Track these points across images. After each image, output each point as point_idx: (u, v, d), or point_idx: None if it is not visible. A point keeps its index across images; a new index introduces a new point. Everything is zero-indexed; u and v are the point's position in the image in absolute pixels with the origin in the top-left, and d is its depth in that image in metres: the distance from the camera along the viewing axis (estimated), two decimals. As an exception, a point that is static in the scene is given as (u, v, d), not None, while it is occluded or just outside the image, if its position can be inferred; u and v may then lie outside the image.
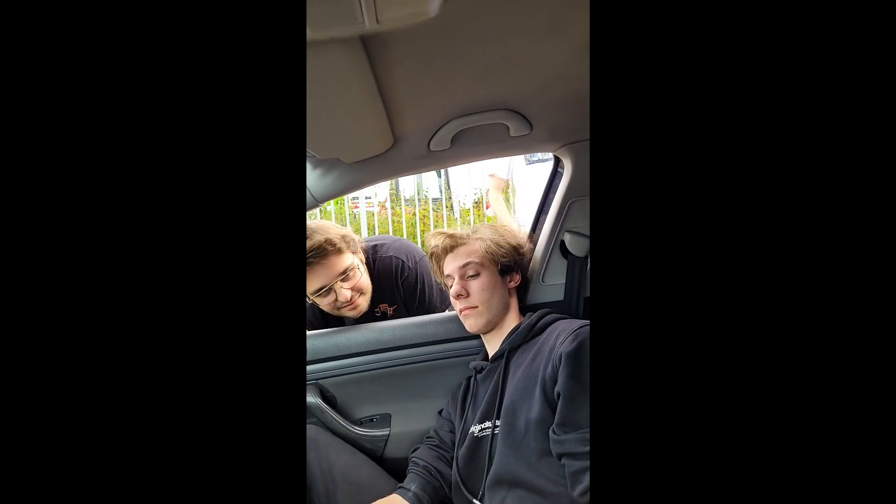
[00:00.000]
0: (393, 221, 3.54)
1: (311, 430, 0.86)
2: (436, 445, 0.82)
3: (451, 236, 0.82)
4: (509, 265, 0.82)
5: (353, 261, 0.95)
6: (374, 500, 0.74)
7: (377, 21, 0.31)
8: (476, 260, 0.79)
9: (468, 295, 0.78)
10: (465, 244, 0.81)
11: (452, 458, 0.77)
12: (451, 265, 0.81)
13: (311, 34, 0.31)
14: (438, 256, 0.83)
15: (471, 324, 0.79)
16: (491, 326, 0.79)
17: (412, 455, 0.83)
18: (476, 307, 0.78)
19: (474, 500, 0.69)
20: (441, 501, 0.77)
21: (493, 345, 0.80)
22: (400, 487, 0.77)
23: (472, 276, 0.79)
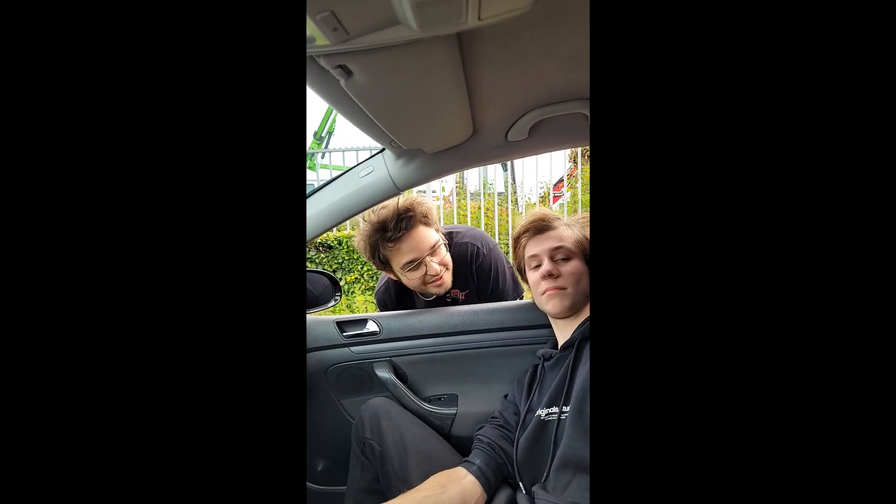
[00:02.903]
0: (458, 214, 3.60)
1: (385, 402, 0.93)
2: (500, 425, 0.85)
3: (542, 219, 0.84)
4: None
5: (439, 238, 1.02)
6: (441, 470, 0.79)
7: (479, 19, 0.34)
8: (568, 245, 0.81)
9: (559, 276, 0.79)
10: (556, 228, 0.83)
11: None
12: (540, 246, 0.82)
13: (418, 33, 0.35)
14: (527, 235, 0.85)
15: (555, 304, 0.79)
16: (572, 312, 0.80)
17: (477, 433, 0.86)
18: (564, 289, 0.79)
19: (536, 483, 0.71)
20: (503, 478, 0.79)
21: (564, 333, 0.81)
22: (465, 461, 0.80)
23: (563, 259, 0.80)
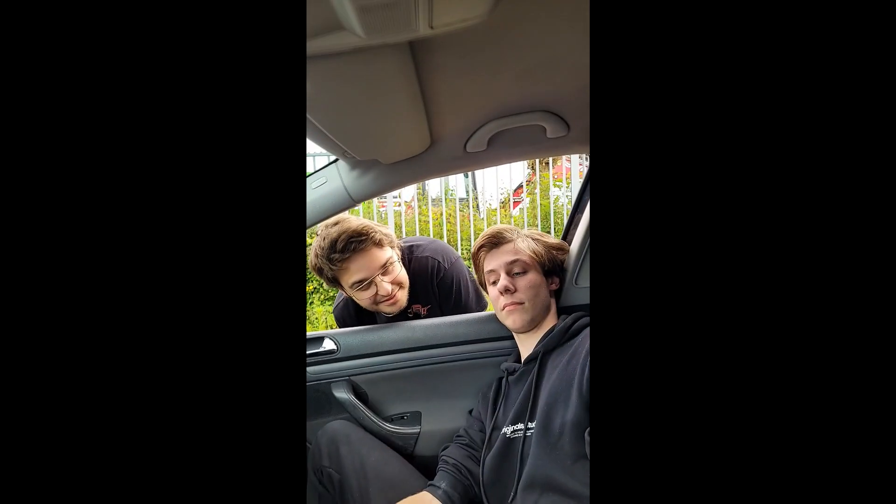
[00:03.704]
0: (420, 220, 3.56)
1: (344, 426, 0.88)
2: (466, 444, 0.82)
3: (496, 235, 0.83)
4: (551, 268, 0.83)
5: (392, 255, 0.97)
6: (405, 497, 0.75)
7: (430, 27, 0.32)
8: (524, 258, 0.80)
9: (515, 290, 0.78)
10: (511, 242, 0.82)
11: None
12: (496, 261, 0.81)
13: (364, 40, 0.32)
14: (484, 250, 0.84)
15: (515, 319, 0.78)
16: (533, 325, 0.79)
17: (442, 453, 0.83)
18: (522, 303, 0.78)
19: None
20: (470, 500, 0.77)
21: (527, 346, 0.80)
22: (430, 485, 0.77)
23: (518, 273, 0.80)
